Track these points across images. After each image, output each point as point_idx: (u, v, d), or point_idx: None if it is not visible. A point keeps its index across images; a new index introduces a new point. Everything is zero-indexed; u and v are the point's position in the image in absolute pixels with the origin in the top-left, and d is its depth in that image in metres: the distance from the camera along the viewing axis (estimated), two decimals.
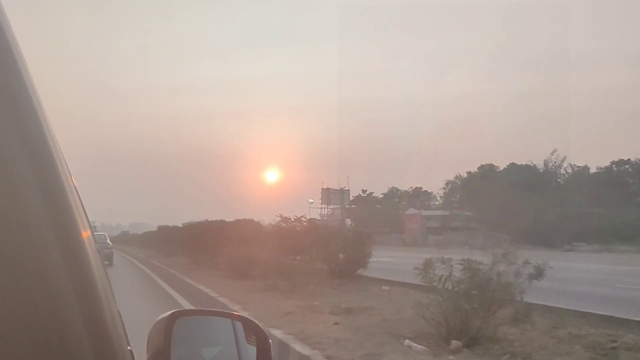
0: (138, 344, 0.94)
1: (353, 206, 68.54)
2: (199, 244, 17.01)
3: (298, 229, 14.67)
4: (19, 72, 0.53)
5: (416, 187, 71.80)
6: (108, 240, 23.79)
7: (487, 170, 62.02)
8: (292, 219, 15.66)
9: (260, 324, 1.17)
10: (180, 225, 23.67)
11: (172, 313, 1.05)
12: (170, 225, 27.46)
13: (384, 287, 10.21)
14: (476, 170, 64.63)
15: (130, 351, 0.71)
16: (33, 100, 0.53)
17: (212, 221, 18.46)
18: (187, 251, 18.73)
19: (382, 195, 71.82)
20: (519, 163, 63.32)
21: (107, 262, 20.74)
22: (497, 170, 62.48)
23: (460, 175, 68.81)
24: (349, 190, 74.63)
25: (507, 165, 64.06)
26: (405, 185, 76.11)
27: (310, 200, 72.40)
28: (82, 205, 0.63)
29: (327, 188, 72.83)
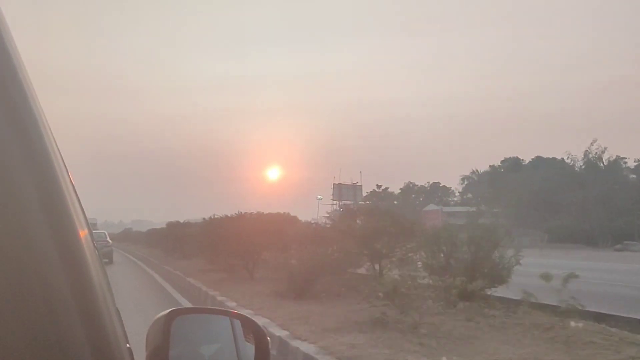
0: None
1: (367, 202, 64.30)
2: (226, 244, 12.75)
3: (369, 224, 10.37)
4: (14, 69, 0.53)
5: (434, 182, 67.57)
6: (108, 238, 23.98)
7: (513, 164, 57.82)
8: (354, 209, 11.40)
9: (258, 323, 1.16)
10: (194, 221, 20.28)
11: (170, 311, 1.06)
12: (181, 221, 23.71)
13: (572, 323, 5.94)
14: (499, 163, 60.41)
15: (129, 349, 0.72)
16: (29, 99, 0.54)
17: (245, 214, 13.72)
18: (209, 254, 14.44)
19: (399, 191, 67.58)
20: (545, 156, 59.12)
21: (106, 260, 20.93)
22: (523, 163, 58.22)
23: (477, 170, 64.68)
24: (361, 185, 70.71)
25: (532, 159, 59.89)
26: (421, 180, 72.14)
27: (319, 196, 68.20)
28: (80, 204, 0.65)
29: (339, 183, 68.71)
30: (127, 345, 0.70)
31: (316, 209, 54.50)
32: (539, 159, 58.39)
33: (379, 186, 67.66)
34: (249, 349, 1.13)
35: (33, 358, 0.46)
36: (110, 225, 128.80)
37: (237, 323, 1.19)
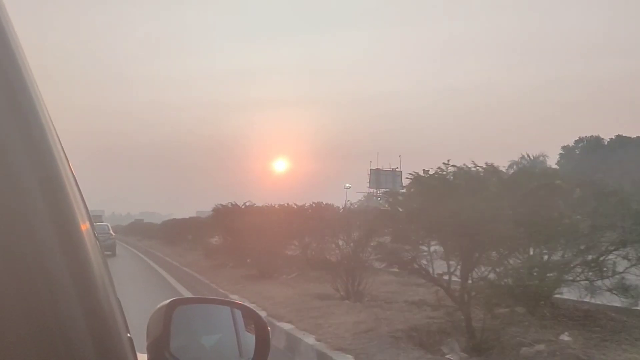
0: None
1: (412, 190, 63.14)
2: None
3: None
4: (16, 62, 0.58)
5: (513, 162, 65.35)
6: (110, 231, 26.79)
7: (592, 144, 55.68)
8: None
9: (259, 313, 1.33)
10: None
11: (171, 301, 1.19)
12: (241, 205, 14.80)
13: None
14: (572, 144, 58.40)
15: (130, 338, 0.80)
16: (30, 90, 0.59)
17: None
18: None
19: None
20: (625, 135, 56.78)
21: (109, 253, 23.44)
22: (604, 143, 56.07)
23: (528, 155, 62.67)
24: (401, 171, 69.67)
25: (612, 138, 57.58)
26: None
27: (347, 185, 67.20)
28: (82, 197, 0.74)
29: (377, 168, 67.85)
30: (128, 335, 0.80)
31: (344, 199, 53.83)
32: (620, 138, 56.23)
33: (425, 171, 66.55)
34: (250, 339, 1.27)
35: (36, 346, 0.53)
36: (117, 217, 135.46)
37: (238, 313, 1.33)
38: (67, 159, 0.69)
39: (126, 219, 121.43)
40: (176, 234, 26.21)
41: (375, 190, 65.23)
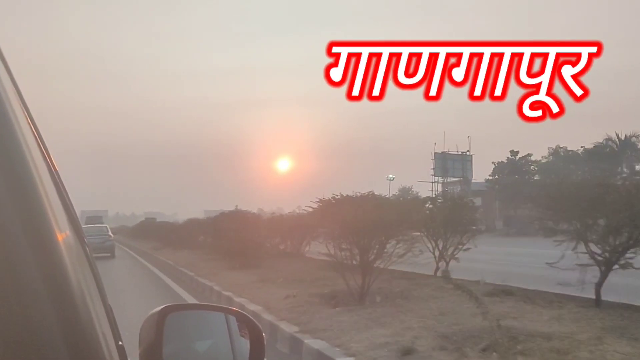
0: None
1: (495, 177, 59.86)
2: None
3: None
4: None
5: (597, 144, 61.13)
6: (110, 233, 32.27)
7: None
8: None
9: (254, 319, 1.53)
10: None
11: (163, 308, 1.40)
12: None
13: None
14: None
15: (122, 346, 0.93)
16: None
17: None
18: None
19: (548, 159, 62.94)
20: None
21: (108, 254, 29.08)
22: None
23: (618, 136, 58.75)
24: (471, 155, 67.23)
25: None
26: (572, 145, 67.28)
27: (390, 176, 66.23)
28: (67, 203, 0.81)
29: (443, 152, 65.76)
30: (120, 342, 0.92)
31: (387, 191, 50.92)
32: None
33: (514, 153, 61.07)
34: (244, 344, 1.51)
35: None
36: (122, 218, 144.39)
37: (232, 319, 1.57)
38: (48, 161, 0.76)
39: (131, 219, 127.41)
40: (237, 242, 17.54)
41: (440, 181, 63.54)
